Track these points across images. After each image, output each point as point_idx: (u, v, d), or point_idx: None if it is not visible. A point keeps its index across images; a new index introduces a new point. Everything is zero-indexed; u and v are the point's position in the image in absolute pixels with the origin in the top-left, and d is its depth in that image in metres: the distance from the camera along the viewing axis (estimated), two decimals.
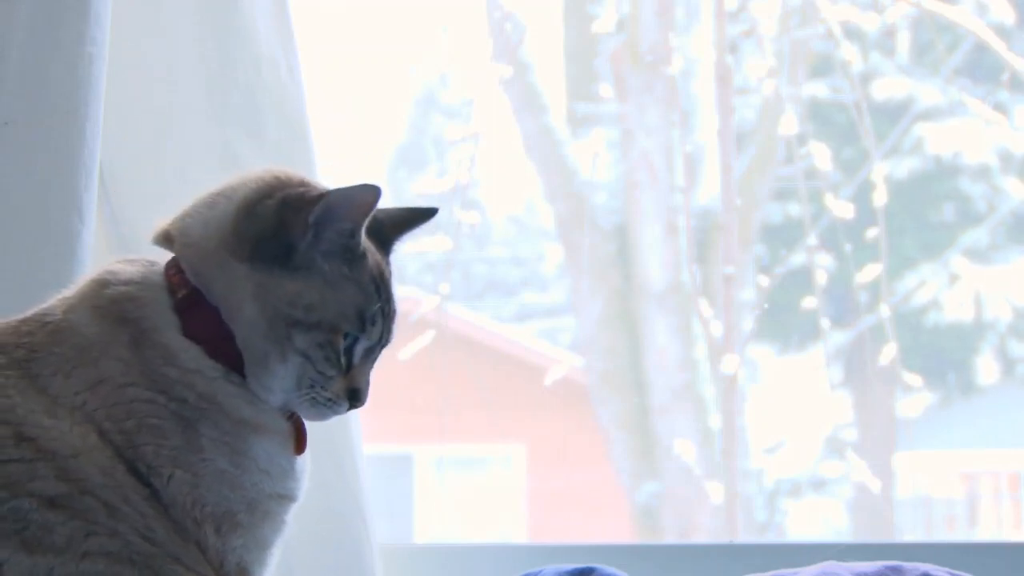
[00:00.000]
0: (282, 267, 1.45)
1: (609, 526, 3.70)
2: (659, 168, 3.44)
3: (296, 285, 1.45)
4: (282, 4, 2.14)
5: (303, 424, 1.51)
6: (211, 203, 1.50)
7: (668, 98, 3.41)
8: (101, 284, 1.46)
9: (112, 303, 1.45)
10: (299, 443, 1.50)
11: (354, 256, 1.48)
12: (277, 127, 2.13)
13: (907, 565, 1.54)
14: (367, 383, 1.52)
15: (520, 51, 3.45)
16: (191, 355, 1.44)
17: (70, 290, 1.48)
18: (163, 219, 1.53)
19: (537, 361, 3.81)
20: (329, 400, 1.49)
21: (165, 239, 1.50)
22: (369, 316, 1.49)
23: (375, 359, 1.53)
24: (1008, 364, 3.69)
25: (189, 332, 1.45)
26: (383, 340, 1.52)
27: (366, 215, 1.47)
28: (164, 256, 1.51)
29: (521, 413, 3.88)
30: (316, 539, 2.00)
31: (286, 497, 1.47)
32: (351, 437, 2.08)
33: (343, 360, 1.48)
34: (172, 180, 2.09)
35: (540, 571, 1.90)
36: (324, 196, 1.46)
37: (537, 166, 3.61)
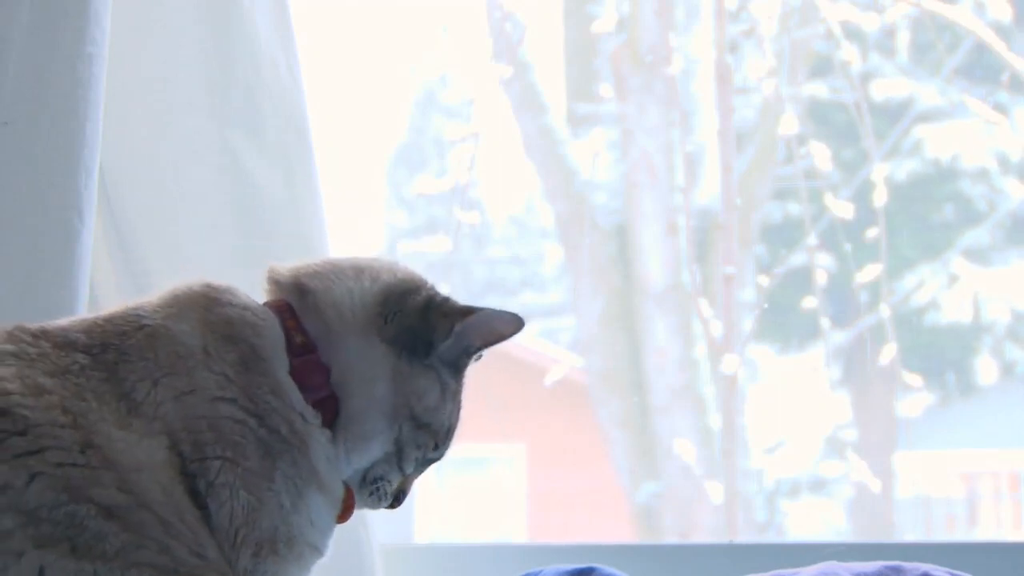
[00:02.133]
0: (418, 361, 1.53)
1: (609, 526, 3.70)
2: (659, 168, 3.44)
3: (426, 383, 1.53)
4: (282, 4, 2.14)
5: (354, 498, 1.56)
6: (350, 275, 1.55)
7: (668, 98, 3.41)
8: (212, 300, 1.48)
9: (227, 322, 1.46)
10: (345, 513, 1.56)
11: (462, 376, 1.58)
12: (277, 127, 2.13)
13: (907, 565, 1.54)
14: (409, 490, 1.61)
15: (520, 51, 3.45)
16: (297, 397, 1.47)
17: (161, 298, 1.48)
18: (283, 264, 1.57)
19: (537, 361, 3.81)
20: (386, 495, 1.57)
21: (296, 290, 1.53)
22: (453, 434, 1.58)
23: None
24: (1007, 365, 3.69)
25: (296, 377, 1.48)
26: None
27: (497, 342, 1.57)
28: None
29: (521, 413, 3.88)
30: None
31: (318, 551, 1.51)
32: None
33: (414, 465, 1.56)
34: (171, 180, 2.09)
35: (540, 571, 1.90)
36: (476, 312, 1.55)
37: (537, 166, 3.61)
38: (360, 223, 3.69)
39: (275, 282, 1.56)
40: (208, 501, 1.39)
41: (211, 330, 1.45)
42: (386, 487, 1.56)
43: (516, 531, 3.90)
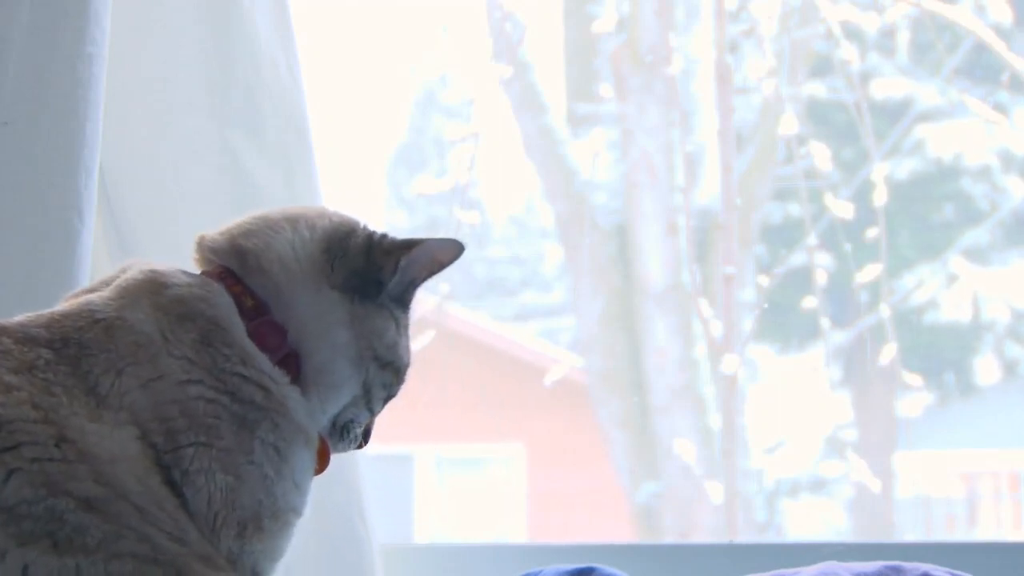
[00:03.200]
0: (370, 302, 1.52)
1: (609, 526, 3.70)
2: (659, 168, 3.44)
3: (382, 322, 1.52)
4: (282, 4, 2.13)
5: (328, 447, 1.55)
6: (286, 228, 1.53)
7: (668, 98, 3.41)
8: (158, 284, 1.46)
9: (177, 302, 1.44)
10: (322, 463, 1.54)
11: (409, 309, 1.56)
12: (277, 127, 2.12)
13: (907, 565, 1.54)
14: (373, 428, 1.60)
15: (520, 51, 3.45)
16: (264, 360, 1.46)
17: (111, 289, 1.46)
18: (208, 232, 1.55)
19: (537, 361, 3.81)
20: (356, 437, 1.56)
21: (234, 253, 1.51)
22: (408, 369, 1.57)
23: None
24: (1007, 364, 3.69)
25: (256, 341, 1.47)
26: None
27: (439, 271, 1.55)
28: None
29: (521, 413, 3.88)
30: (316, 539, 1.99)
31: (300, 514, 1.49)
32: None
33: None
34: (171, 180, 2.09)
35: (540, 571, 1.90)
36: (417, 244, 1.53)
37: (537, 166, 3.61)
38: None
39: (209, 250, 1.53)
40: (184, 489, 1.37)
41: (164, 313, 1.43)
42: (356, 429, 1.55)
43: (516, 531, 3.90)
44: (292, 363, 1.48)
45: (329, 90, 2.91)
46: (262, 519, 1.43)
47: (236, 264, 1.51)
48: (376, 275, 1.52)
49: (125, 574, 1.28)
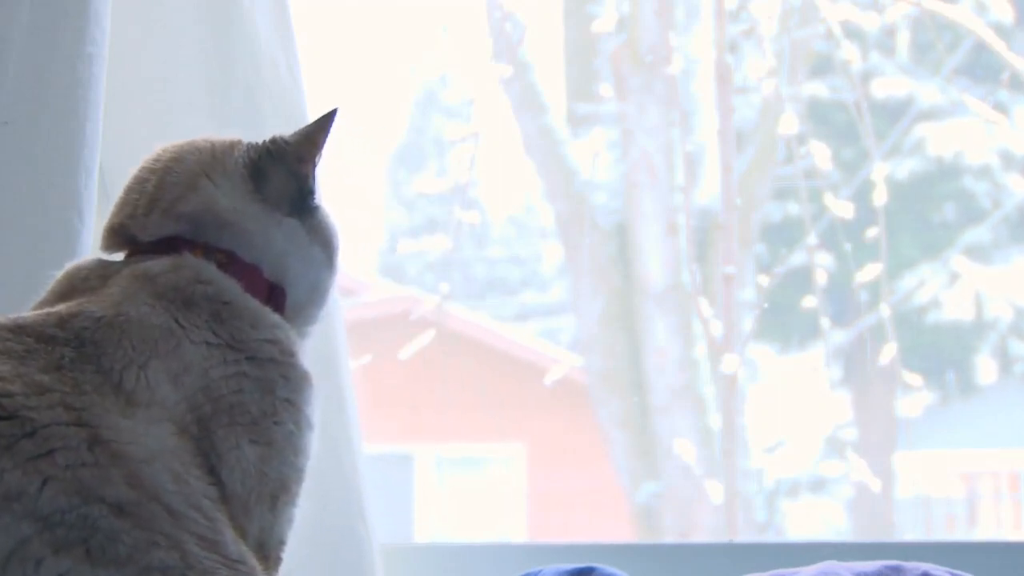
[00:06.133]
0: (308, 208, 1.55)
1: (609, 526, 3.70)
2: (659, 168, 3.44)
3: (323, 222, 1.56)
4: (282, 4, 2.14)
5: None
6: (210, 180, 1.52)
7: (668, 98, 3.41)
8: (146, 277, 1.45)
9: (175, 289, 1.44)
10: None
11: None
12: (277, 127, 2.11)
13: (907, 565, 1.54)
14: None
15: (520, 51, 3.45)
16: (265, 312, 1.48)
17: (97, 292, 1.44)
18: (123, 215, 1.54)
19: (537, 361, 3.81)
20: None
21: (180, 221, 1.50)
22: None
23: None
24: (1008, 363, 3.69)
25: (246, 289, 1.48)
26: None
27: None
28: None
29: (521, 413, 3.88)
30: (316, 538, 2.00)
31: (310, 457, 1.50)
32: (351, 436, 2.08)
33: None
34: None
35: (540, 571, 1.90)
36: (311, 137, 1.55)
37: (537, 166, 3.61)
38: (361, 222, 3.69)
39: (141, 229, 1.52)
40: (221, 473, 1.38)
41: (169, 301, 1.43)
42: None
43: (516, 530, 3.90)
44: (278, 299, 1.51)
45: (329, 90, 2.92)
46: (290, 485, 1.44)
47: (187, 230, 1.50)
48: (303, 184, 1.54)
49: None
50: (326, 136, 1.56)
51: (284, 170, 1.54)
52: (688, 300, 3.44)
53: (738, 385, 3.36)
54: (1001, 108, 3.40)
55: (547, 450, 3.96)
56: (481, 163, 3.41)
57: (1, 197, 1.91)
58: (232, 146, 1.56)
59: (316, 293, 1.55)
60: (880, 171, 3.24)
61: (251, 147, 1.56)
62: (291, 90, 2.12)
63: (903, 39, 3.51)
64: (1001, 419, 3.78)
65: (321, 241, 1.55)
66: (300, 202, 1.54)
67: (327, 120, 1.56)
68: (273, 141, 1.56)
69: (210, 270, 1.47)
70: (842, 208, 3.23)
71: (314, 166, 1.56)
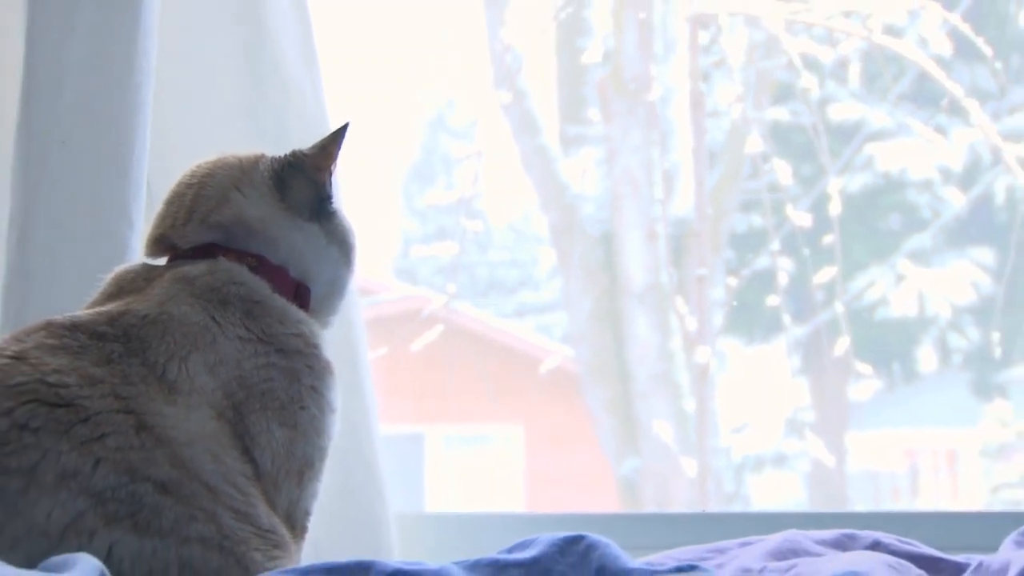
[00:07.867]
0: (326, 212, 1.51)
1: (596, 497, 3.69)
2: (640, 182, 3.43)
3: (340, 224, 1.53)
4: (309, 37, 2.12)
5: None
6: (236, 194, 1.49)
7: (648, 121, 3.40)
8: (186, 280, 1.43)
9: (211, 290, 1.42)
10: None
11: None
12: (303, 146, 2.11)
13: (860, 533, 1.52)
14: None
15: (518, 79, 3.44)
16: (292, 309, 1.46)
17: (142, 293, 1.42)
18: (151, 231, 1.51)
19: (533, 352, 3.80)
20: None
21: (214, 230, 1.48)
22: None
23: None
24: (946, 354, 3.69)
25: (276, 290, 1.46)
26: None
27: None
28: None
29: (519, 398, 3.87)
30: (337, 510, 1.98)
31: (332, 437, 1.47)
32: (369, 419, 2.07)
33: None
34: None
35: (535, 538, 1.88)
36: (327, 148, 1.52)
37: (533, 180, 3.60)
38: (378, 230, 3.68)
39: (180, 238, 1.49)
40: (254, 453, 1.36)
41: (207, 301, 1.41)
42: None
43: (515, 502, 3.89)
44: (303, 296, 1.48)
45: (350, 113, 2.91)
46: (315, 462, 1.42)
47: (221, 237, 1.48)
48: (321, 192, 1.51)
49: (192, 559, 1.27)
50: (339, 147, 1.54)
51: (304, 179, 1.51)
52: (666, 299, 3.43)
53: (710, 373, 3.36)
54: (941, 130, 3.40)
55: (542, 431, 3.95)
56: (484, 178, 3.40)
57: (59, 208, 1.90)
58: (257, 160, 1.53)
59: (335, 287, 1.53)
60: (835, 185, 3.23)
61: (274, 160, 1.53)
62: (316, 114, 2.10)
63: (855, 69, 3.50)
64: (940, 403, 3.78)
65: (338, 242, 1.52)
66: (319, 207, 1.51)
67: (340, 133, 1.54)
68: (293, 154, 1.53)
69: (242, 272, 1.45)
70: (801, 218, 3.22)
71: (330, 174, 1.53)
